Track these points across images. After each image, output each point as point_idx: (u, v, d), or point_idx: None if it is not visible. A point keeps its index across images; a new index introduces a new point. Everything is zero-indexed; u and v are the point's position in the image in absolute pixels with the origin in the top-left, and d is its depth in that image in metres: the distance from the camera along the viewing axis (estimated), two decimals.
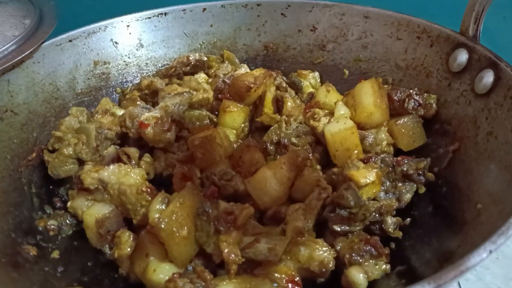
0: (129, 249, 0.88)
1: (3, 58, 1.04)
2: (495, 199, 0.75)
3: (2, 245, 0.82)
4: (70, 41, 1.16)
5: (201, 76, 1.24)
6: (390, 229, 0.88)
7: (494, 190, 0.77)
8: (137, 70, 1.27)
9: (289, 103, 1.11)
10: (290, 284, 0.81)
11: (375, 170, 0.89)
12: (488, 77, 0.90)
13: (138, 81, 1.25)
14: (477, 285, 0.98)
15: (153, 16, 1.27)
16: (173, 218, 0.81)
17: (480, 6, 0.97)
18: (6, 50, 1.06)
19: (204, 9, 1.29)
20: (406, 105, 1.00)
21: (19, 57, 1.05)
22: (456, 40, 1.00)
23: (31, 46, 1.09)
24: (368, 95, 0.99)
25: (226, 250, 0.80)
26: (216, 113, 1.17)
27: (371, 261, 0.81)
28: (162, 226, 0.80)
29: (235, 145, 1.12)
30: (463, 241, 0.76)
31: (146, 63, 1.28)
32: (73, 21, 1.20)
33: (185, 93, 1.05)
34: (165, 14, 1.27)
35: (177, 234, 0.81)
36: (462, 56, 0.97)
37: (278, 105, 1.16)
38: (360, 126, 1.00)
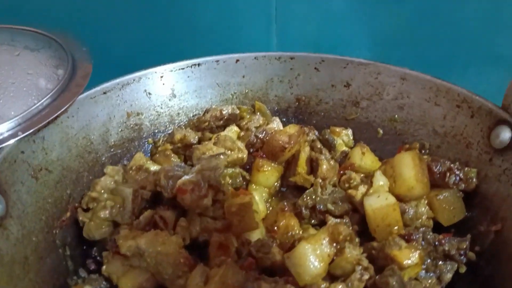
0: None
1: (38, 114, 1.02)
2: None
3: None
4: (105, 93, 1.16)
5: (233, 129, 1.23)
6: None
7: None
8: (169, 120, 1.26)
9: (324, 166, 1.10)
10: None
11: (418, 251, 0.88)
12: None
13: (170, 131, 1.25)
14: None
15: (187, 67, 1.26)
16: None
17: None
18: (41, 105, 1.03)
19: (237, 60, 1.29)
20: (446, 179, 0.99)
21: (56, 114, 1.03)
22: (498, 116, 0.98)
23: (67, 101, 1.07)
24: (409, 168, 0.98)
25: None
26: (248, 167, 1.16)
27: None
28: None
29: (267, 204, 1.12)
30: None
31: (178, 113, 1.27)
32: (104, 70, 1.18)
33: (221, 155, 1.04)
34: (199, 65, 1.27)
35: None
36: (505, 134, 0.96)
37: (312, 165, 1.15)
38: (400, 198, 0.99)
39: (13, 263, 0.84)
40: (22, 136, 0.95)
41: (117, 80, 1.18)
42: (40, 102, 1.03)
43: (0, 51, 1.13)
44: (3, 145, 0.92)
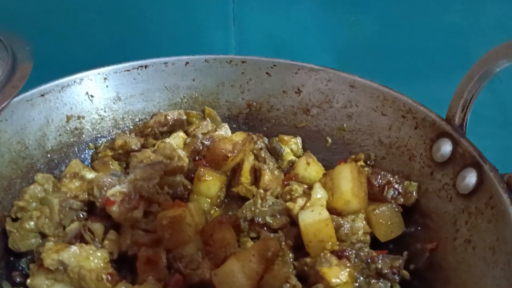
0: None
1: None
2: None
3: None
4: (42, 95, 1.12)
5: (179, 135, 1.20)
6: None
7: None
8: (113, 124, 1.22)
9: (266, 177, 1.07)
10: None
11: (348, 269, 0.85)
12: (471, 178, 0.86)
13: (113, 136, 1.21)
14: None
15: (133, 69, 1.22)
16: None
17: (469, 94, 0.92)
18: None
19: (187, 63, 1.25)
20: (385, 193, 0.96)
21: None
22: (441, 128, 0.96)
23: (0, 103, 1.03)
24: (347, 181, 0.95)
25: None
26: (192, 175, 1.13)
27: None
28: None
29: (208, 216, 1.08)
30: None
31: (123, 117, 1.23)
32: (45, 71, 1.14)
33: (156, 165, 1.01)
34: (146, 66, 1.23)
35: None
36: (446, 147, 0.93)
37: (256, 175, 1.11)
38: (337, 212, 0.96)
39: None
40: None
41: (56, 82, 1.14)
42: None
43: None
44: None
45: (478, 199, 0.84)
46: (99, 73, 1.19)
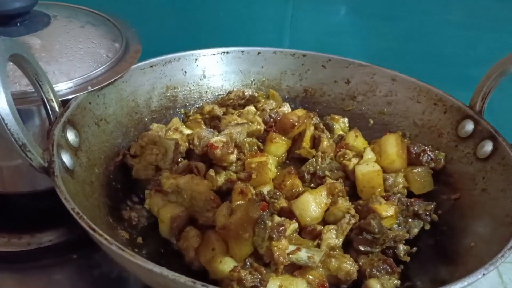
0: (195, 243, 1.11)
1: (101, 76, 1.26)
2: (484, 240, 1.02)
3: (105, 227, 1.05)
4: (151, 66, 1.41)
5: (251, 109, 1.49)
6: (401, 254, 1.12)
7: (484, 233, 1.04)
8: (198, 96, 1.52)
9: (325, 142, 1.36)
10: (320, 287, 1.06)
11: (394, 207, 1.14)
12: (488, 146, 1.17)
13: (198, 105, 1.50)
14: None
15: (217, 54, 1.51)
16: (240, 223, 1.05)
17: (487, 89, 1.23)
18: (104, 69, 1.28)
19: (259, 52, 1.55)
20: (420, 158, 1.26)
21: (116, 77, 1.27)
22: (465, 112, 1.26)
23: (124, 68, 1.31)
24: (392, 146, 1.25)
25: (276, 253, 1.03)
26: (261, 141, 1.42)
27: (386, 276, 1.05)
28: (232, 228, 1.04)
29: (276, 170, 1.37)
30: (455, 270, 1.01)
31: (206, 91, 1.53)
32: (147, 50, 1.43)
33: (245, 124, 1.30)
34: (227, 53, 1.52)
35: (241, 236, 1.05)
36: (469, 126, 1.24)
37: (314, 142, 1.41)
38: (383, 170, 1.25)
39: (84, 183, 1.08)
40: (90, 90, 1.19)
41: (162, 58, 1.43)
42: (103, 66, 1.27)
43: (69, 23, 1.38)
44: (77, 95, 1.17)
45: (493, 161, 1.15)
46: (192, 55, 1.49)
